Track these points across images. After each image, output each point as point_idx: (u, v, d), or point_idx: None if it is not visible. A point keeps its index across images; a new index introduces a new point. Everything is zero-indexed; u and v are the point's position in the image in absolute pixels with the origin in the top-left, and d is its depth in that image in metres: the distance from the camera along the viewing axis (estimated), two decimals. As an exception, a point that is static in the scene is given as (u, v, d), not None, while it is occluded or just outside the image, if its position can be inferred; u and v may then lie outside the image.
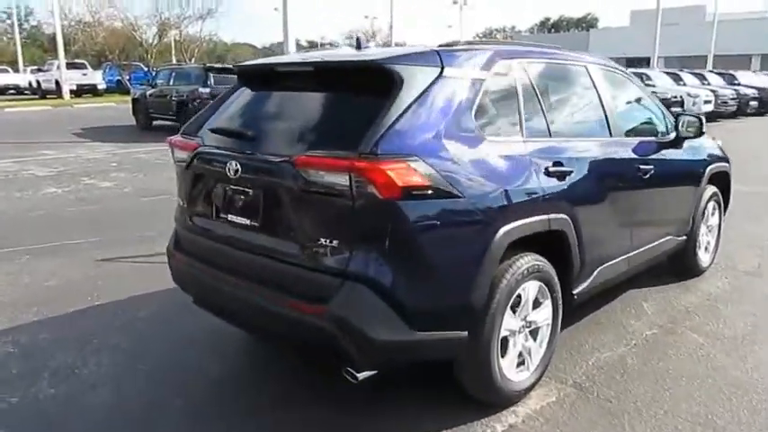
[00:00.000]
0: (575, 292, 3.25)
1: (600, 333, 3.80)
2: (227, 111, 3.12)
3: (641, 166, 3.69)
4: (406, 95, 2.50)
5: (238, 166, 2.68)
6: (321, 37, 69.24)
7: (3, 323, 3.90)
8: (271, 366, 3.42)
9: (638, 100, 4.10)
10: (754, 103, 22.93)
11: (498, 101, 2.89)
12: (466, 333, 2.59)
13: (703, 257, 4.88)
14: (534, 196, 2.83)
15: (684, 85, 20.63)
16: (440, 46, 2.91)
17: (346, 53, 3.07)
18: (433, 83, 2.60)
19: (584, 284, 3.33)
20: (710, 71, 26.43)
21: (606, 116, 3.56)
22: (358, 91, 2.64)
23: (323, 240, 2.43)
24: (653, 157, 3.87)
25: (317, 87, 2.79)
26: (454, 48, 2.91)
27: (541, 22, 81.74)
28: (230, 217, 2.82)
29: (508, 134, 2.89)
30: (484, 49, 2.98)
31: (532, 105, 3.04)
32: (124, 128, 16.58)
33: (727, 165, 4.90)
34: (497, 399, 2.87)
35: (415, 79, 2.56)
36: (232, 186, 2.79)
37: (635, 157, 3.70)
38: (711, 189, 4.72)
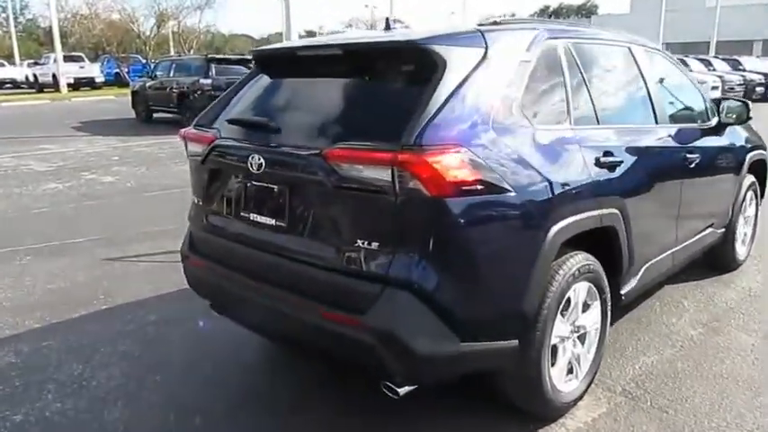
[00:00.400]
0: (623, 292, 3.01)
1: (642, 334, 3.56)
2: (244, 100, 2.86)
3: (687, 155, 3.44)
4: (450, 80, 2.24)
5: (262, 159, 2.43)
6: (319, 27, 68.54)
7: (4, 330, 3.65)
8: (294, 375, 3.17)
9: (680, 83, 3.83)
10: (760, 89, 22.64)
11: (545, 85, 2.63)
12: (516, 342, 2.35)
13: (740, 250, 4.64)
14: (586, 190, 2.58)
15: (691, 71, 20.32)
16: (480, 25, 2.64)
17: (376, 34, 2.80)
18: (477, 65, 2.33)
19: (632, 284, 3.09)
20: (716, 57, 26.13)
21: (651, 101, 3.31)
22: (395, 76, 2.38)
23: (360, 242, 2.18)
24: (697, 144, 3.62)
25: (347, 73, 2.52)
26: (496, 27, 2.64)
27: (541, 10, 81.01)
28: (252, 216, 2.57)
29: (556, 122, 2.63)
30: (527, 27, 2.71)
31: (579, 90, 2.78)
32: (124, 121, 16.28)
33: (765, 152, 4.65)
34: (546, 411, 2.63)
35: (459, 61, 2.29)
36: (254, 182, 2.54)
37: (680, 145, 3.45)
38: (750, 178, 4.47)
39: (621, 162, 2.81)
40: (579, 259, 2.57)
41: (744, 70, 23.42)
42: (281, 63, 2.86)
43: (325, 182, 2.22)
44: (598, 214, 2.62)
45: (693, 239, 3.75)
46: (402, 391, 2.29)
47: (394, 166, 2.06)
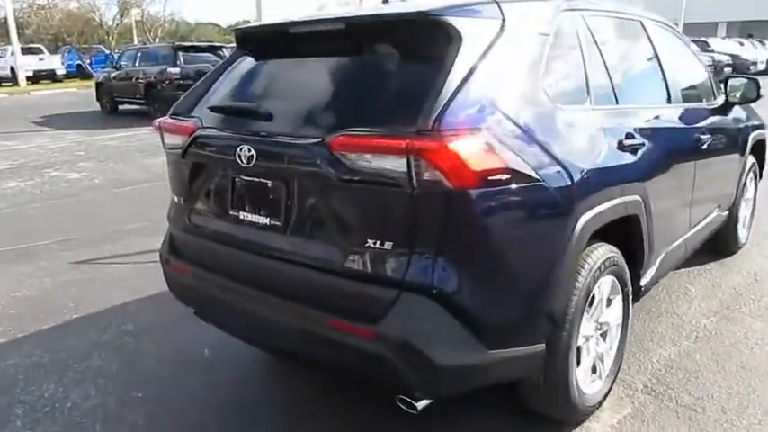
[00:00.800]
0: (643, 284, 2.81)
1: (654, 325, 3.38)
2: (228, 85, 2.56)
3: (700, 136, 3.25)
4: (467, 55, 1.98)
5: (252, 151, 2.15)
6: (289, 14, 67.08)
7: (-36, 346, 3.31)
8: (292, 385, 2.91)
9: (688, 60, 3.64)
10: (728, 70, 22.88)
11: (564, 61, 2.39)
12: (544, 345, 2.13)
13: (741, 233, 4.51)
14: (612, 176, 2.36)
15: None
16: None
17: (378, 8, 2.52)
18: (494, 39, 2.08)
19: (651, 274, 2.90)
20: (684, 39, 26.33)
21: (665, 79, 3.10)
22: (404, 52, 2.11)
23: (370, 242, 1.92)
24: (707, 124, 3.43)
25: (350, 50, 2.24)
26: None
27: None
28: (243, 215, 2.29)
29: (577, 101, 2.40)
30: (542, -3, 2.47)
31: (597, 66, 2.56)
32: (88, 114, 15.65)
33: (764, 132, 4.51)
34: (572, 416, 2.43)
35: (475, 35, 2.04)
36: (245, 177, 2.26)
37: (693, 125, 3.26)
38: (751, 159, 4.33)
39: (642, 145, 2.60)
40: (603, 252, 2.36)
41: (712, 51, 23.64)
42: (271, 42, 2.56)
43: (329, 175, 1.96)
44: (623, 202, 2.41)
45: (704, 224, 3.58)
46: (421, 405, 2.05)
47: (410, 155, 1.80)
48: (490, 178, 1.86)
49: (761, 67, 25.28)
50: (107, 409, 2.71)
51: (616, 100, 2.61)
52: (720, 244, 4.32)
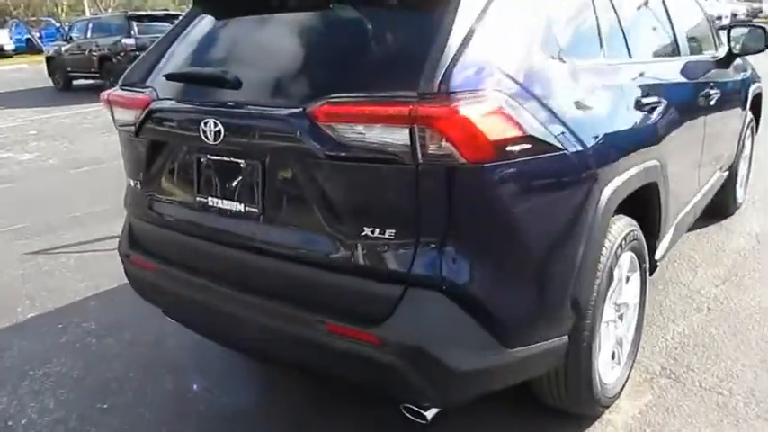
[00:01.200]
0: (658, 257, 2.57)
1: (660, 296, 3.17)
2: (186, 49, 2.19)
3: (709, 91, 2.99)
4: (472, 3, 1.66)
5: (219, 125, 1.81)
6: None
7: None
8: (282, 387, 2.62)
9: (691, 8, 3.36)
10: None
11: (575, 9, 2.09)
12: (566, 337, 1.87)
13: (739, 192, 4.32)
14: (632, 139, 2.10)
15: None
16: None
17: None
18: None
19: (666, 245, 2.66)
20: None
21: (673, 29, 2.82)
22: (396, 2, 1.77)
23: (368, 231, 1.62)
24: (714, 78, 3.18)
25: (330, 3, 1.88)
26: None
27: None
28: (213, 201, 1.96)
29: (591, 55, 2.11)
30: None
31: (607, 15, 2.26)
32: (40, 91, 14.85)
33: (761, 84, 4.28)
34: (594, 409, 2.19)
35: None
36: (212, 157, 1.92)
37: (702, 79, 3.00)
38: (750, 115, 4.11)
39: (658, 102, 2.32)
40: (623, 226, 2.10)
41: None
42: None
43: (313, 151, 1.63)
44: (643, 169, 2.14)
45: (709, 186, 3.36)
46: (431, 414, 1.79)
47: (414, 125, 1.49)
48: (508, 149, 1.56)
49: (725, 21, 25.27)
50: (69, 425, 2.38)
51: (629, 53, 2.33)
52: (719, 205, 4.12)
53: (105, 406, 2.49)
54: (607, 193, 1.87)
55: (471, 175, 1.53)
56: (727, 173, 3.88)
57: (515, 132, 1.58)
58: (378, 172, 1.58)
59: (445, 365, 1.59)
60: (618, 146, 1.96)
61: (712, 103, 3.03)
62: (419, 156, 1.51)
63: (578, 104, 1.85)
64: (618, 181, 1.92)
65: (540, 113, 1.68)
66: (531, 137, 1.62)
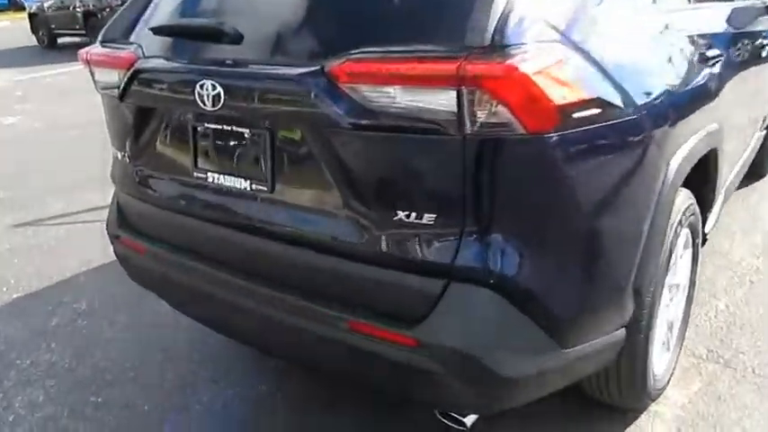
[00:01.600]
0: (707, 230, 2.32)
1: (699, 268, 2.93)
2: (175, -2, 1.87)
3: (762, 41, 2.68)
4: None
5: (219, 88, 1.52)
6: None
7: None
8: (293, 376, 2.40)
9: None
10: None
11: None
12: (624, 330, 1.63)
13: (772, 153, 4.04)
14: (698, 99, 1.83)
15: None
16: None
17: None
18: None
19: (714, 217, 2.41)
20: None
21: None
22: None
23: (402, 215, 1.35)
24: (764, 25, 2.85)
25: None
26: None
27: None
28: (212, 177, 1.68)
29: (651, 3, 1.80)
30: None
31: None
32: (24, 50, 14.28)
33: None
34: (643, 402, 1.98)
35: None
36: (210, 125, 1.64)
37: (754, 28, 2.67)
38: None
39: (721, 56, 2.03)
40: (683, 200, 1.84)
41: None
42: None
43: (334, 119, 1.35)
44: (706, 134, 1.87)
45: (752, 147, 3.09)
46: (470, 420, 1.56)
47: (461, 86, 1.20)
48: (575, 115, 1.29)
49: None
50: (60, 422, 2.16)
51: (689, -2, 2.03)
52: (756, 167, 3.84)
53: (100, 400, 2.26)
54: (675, 163, 1.61)
55: (531, 149, 1.26)
56: (765, 131, 3.60)
57: (582, 95, 1.30)
58: (414, 145, 1.31)
59: (494, 372, 1.35)
60: (684, 109, 1.69)
61: (764, 54, 2.73)
62: (467, 125, 1.23)
63: (640, 58, 1.57)
64: (685, 149, 1.66)
65: (605, 69, 1.39)
66: (599, 100, 1.35)
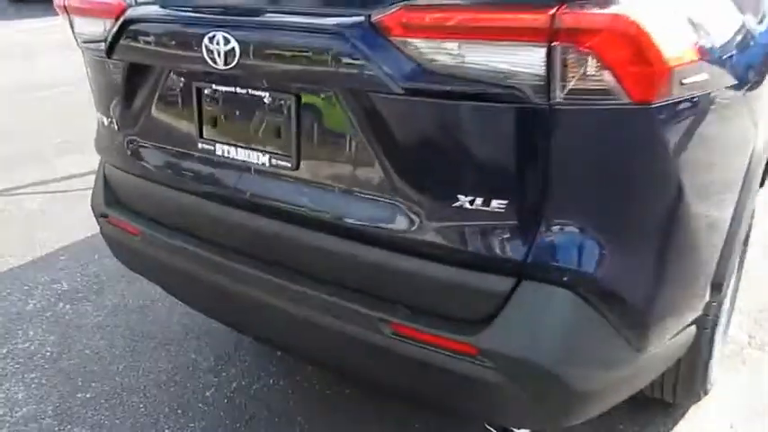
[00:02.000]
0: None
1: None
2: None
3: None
4: None
5: (233, 42, 1.25)
6: None
7: None
8: (304, 365, 2.18)
9: None
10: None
11: None
12: (694, 327, 1.43)
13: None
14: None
15: None
16: None
17: None
18: None
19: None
20: None
21: None
22: None
23: (465, 200, 1.11)
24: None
25: None
26: None
27: None
28: (221, 149, 1.42)
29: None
30: None
31: None
32: (-12, 3, 13.47)
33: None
34: (699, 397, 1.81)
35: None
36: (221, 88, 1.37)
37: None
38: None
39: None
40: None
41: None
42: None
43: (382, 81, 1.10)
44: None
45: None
46: None
47: (554, 42, 0.96)
48: (686, 81, 1.05)
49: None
50: (43, 422, 1.92)
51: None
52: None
53: (88, 395, 2.03)
54: (763, 137, 1.39)
55: (636, 122, 1.02)
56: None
57: (694, 55, 1.07)
58: (483, 115, 1.07)
59: (569, 387, 1.15)
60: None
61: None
62: (555, 92, 0.99)
63: (747, 22, 1.33)
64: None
65: (715, 26, 1.16)
66: (709, 63, 1.11)
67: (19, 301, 2.55)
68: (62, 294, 2.59)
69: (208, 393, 2.02)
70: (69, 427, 1.90)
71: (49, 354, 2.24)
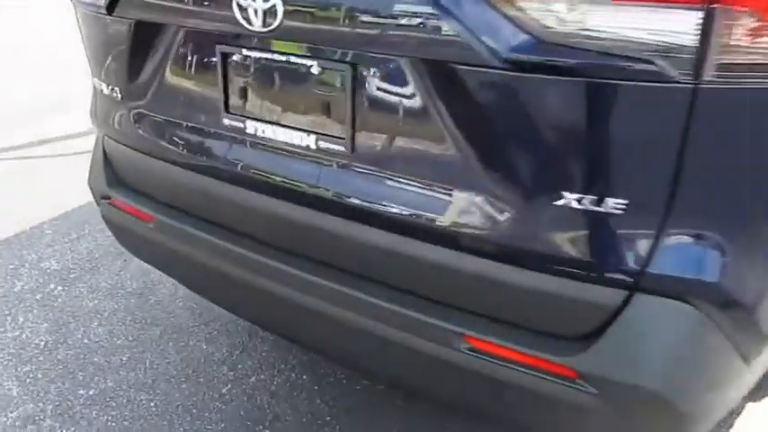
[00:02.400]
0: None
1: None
2: None
3: None
4: None
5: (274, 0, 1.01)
6: None
7: None
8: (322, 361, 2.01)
9: None
10: None
11: None
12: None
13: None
14: None
15: None
16: None
17: None
18: None
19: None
20: None
21: None
22: None
23: (572, 198, 0.91)
24: None
25: None
26: None
27: None
28: (253, 126, 1.19)
29: None
30: None
31: None
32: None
33: None
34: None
35: None
36: (255, 54, 1.13)
37: None
38: None
39: None
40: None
41: None
42: None
43: (476, 51, 0.88)
44: None
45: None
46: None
47: (714, 5, 0.75)
48: None
49: None
50: (42, 424, 1.73)
51: None
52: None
53: (91, 392, 1.84)
54: None
55: None
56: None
57: None
58: (604, 96, 0.86)
59: (682, 413, 0.98)
60: None
61: None
62: (706, 68, 0.79)
63: None
64: None
65: None
66: None
67: (6, 281, 2.33)
68: (52, 274, 2.37)
69: (224, 390, 1.84)
70: (73, 429, 1.71)
71: (43, 343, 2.03)
